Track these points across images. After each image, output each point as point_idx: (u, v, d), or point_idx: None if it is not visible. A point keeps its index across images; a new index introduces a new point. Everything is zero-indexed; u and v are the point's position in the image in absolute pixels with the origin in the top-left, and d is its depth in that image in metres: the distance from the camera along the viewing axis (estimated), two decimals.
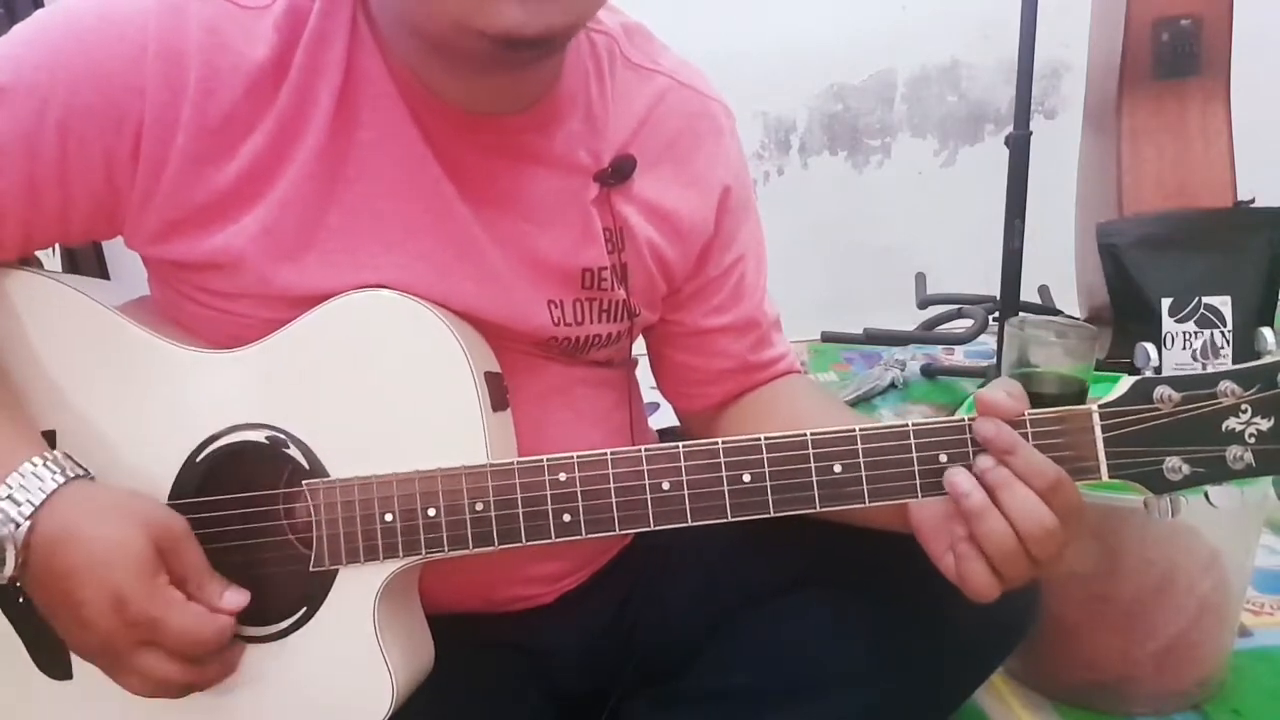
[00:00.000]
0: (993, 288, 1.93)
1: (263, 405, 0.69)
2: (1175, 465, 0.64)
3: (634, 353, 0.90)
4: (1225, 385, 0.63)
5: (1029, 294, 2.12)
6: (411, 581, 0.73)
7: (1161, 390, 0.64)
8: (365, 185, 0.71)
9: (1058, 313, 2.21)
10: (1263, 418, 0.63)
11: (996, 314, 2.07)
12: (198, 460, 0.70)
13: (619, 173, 0.78)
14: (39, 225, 0.70)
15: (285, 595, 0.69)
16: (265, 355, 0.70)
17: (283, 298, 0.70)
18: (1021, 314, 1.96)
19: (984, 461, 0.63)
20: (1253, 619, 1.33)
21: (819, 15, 2.49)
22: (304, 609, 0.69)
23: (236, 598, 0.66)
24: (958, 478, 0.63)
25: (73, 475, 0.64)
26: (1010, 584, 0.64)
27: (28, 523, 0.62)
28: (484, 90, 0.72)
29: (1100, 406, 0.64)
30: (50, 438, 0.69)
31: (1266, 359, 0.64)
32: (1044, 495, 0.62)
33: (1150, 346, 0.66)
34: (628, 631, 0.88)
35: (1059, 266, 2.12)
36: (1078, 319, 2.03)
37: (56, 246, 0.77)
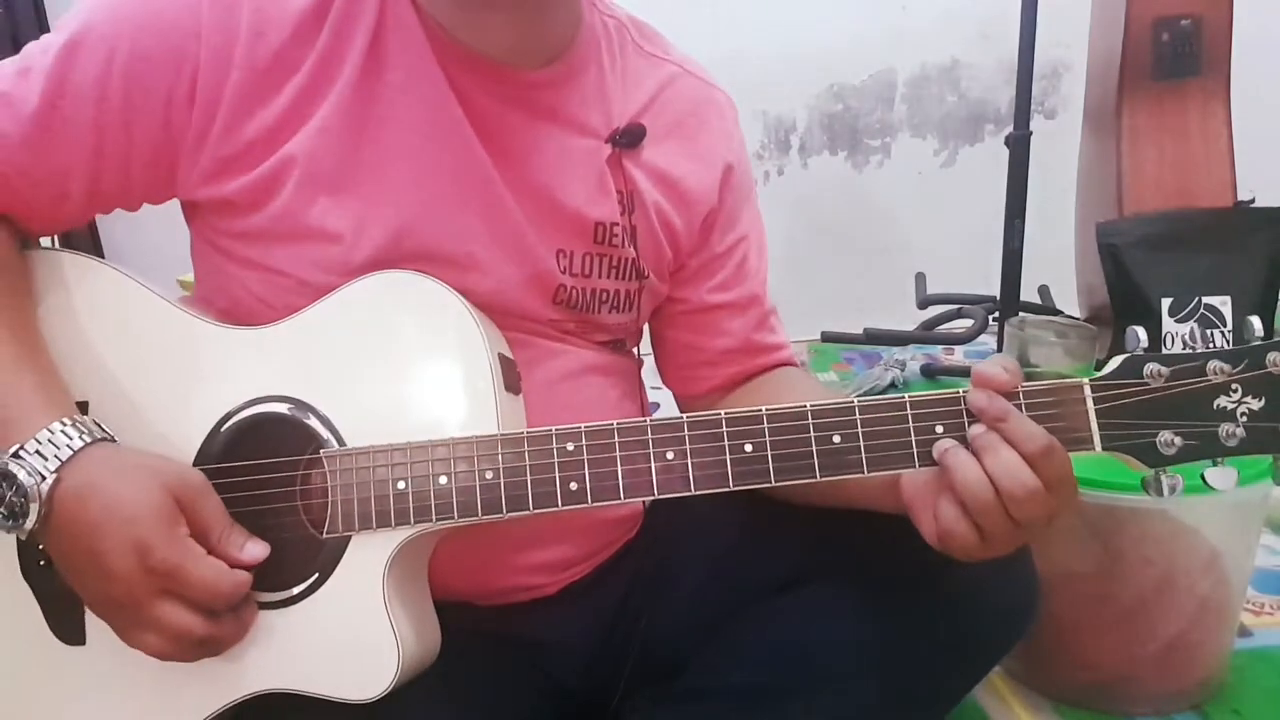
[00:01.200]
0: (993, 288, 1.94)
1: (286, 379, 0.73)
2: (1168, 439, 0.65)
3: (640, 353, 0.91)
4: (1215, 364, 0.65)
5: (1029, 294, 2.12)
6: (421, 564, 0.75)
7: (1151, 366, 0.65)
8: (393, 124, 0.75)
9: (1058, 313, 2.21)
10: (1254, 397, 0.65)
11: (996, 314, 2.07)
12: (222, 430, 0.72)
13: (630, 136, 0.82)
14: (105, 177, 0.74)
15: (298, 562, 0.70)
16: (290, 332, 0.74)
17: (318, 232, 0.74)
18: (1021, 314, 1.96)
19: (975, 429, 0.65)
20: (1253, 619, 1.33)
21: (819, 15, 2.49)
22: (316, 575, 0.70)
23: (257, 549, 0.68)
24: (944, 440, 0.66)
25: (99, 436, 0.67)
26: (993, 543, 0.65)
27: (53, 476, 0.64)
28: (504, 37, 0.76)
29: (1092, 380, 0.66)
30: (84, 407, 0.72)
31: (1255, 342, 0.65)
32: (1034, 459, 0.63)
33: (1141, 330, 0.67)
34: (629, 627, 0.88)
35: (1059, 266, 2.13)
36: (1078, 319, 2.03)
37: (55, 240, 0.80)
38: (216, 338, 0.74)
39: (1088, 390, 0.66)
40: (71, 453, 0.65)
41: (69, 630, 0.72)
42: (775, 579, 0.83)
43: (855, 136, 2.66)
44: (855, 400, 0.67)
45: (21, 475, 0.63)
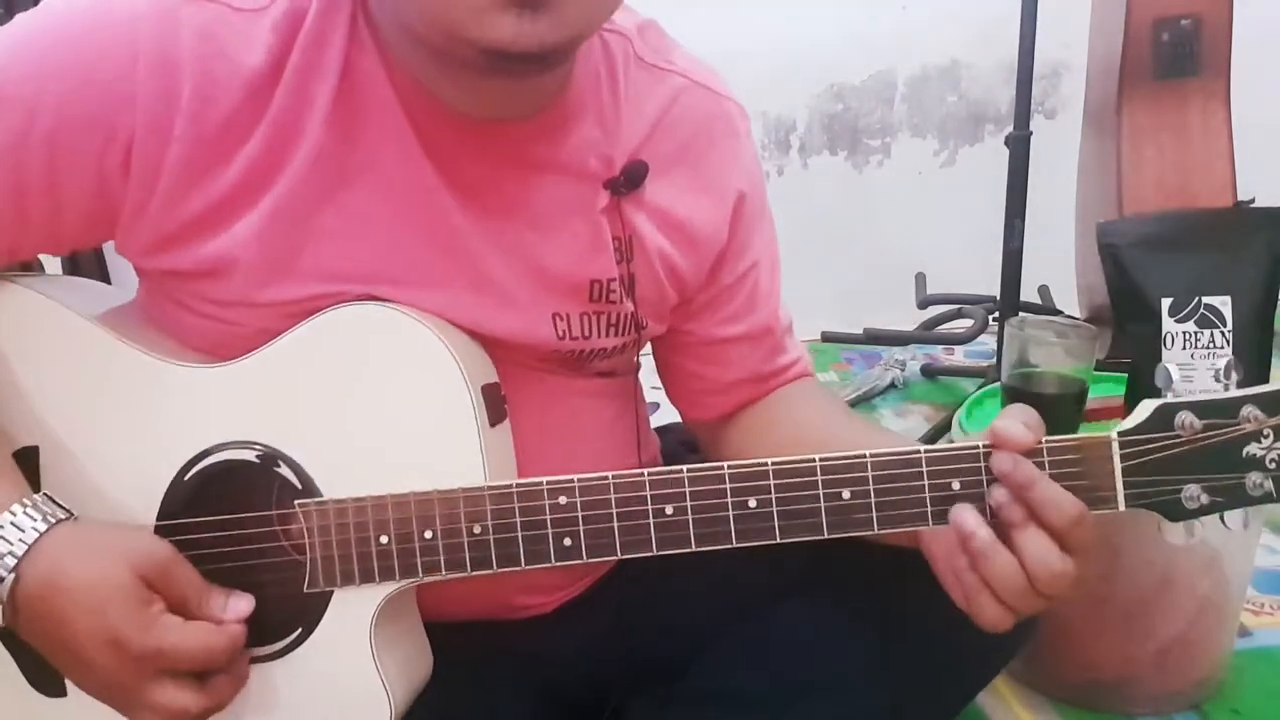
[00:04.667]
0: (993, 288, 1.93)
1: (252, 422, 0.68)
2: (1194, 494, 0.62)
3: (638, 357, 0.89)
4: (1248, 410, 0.61)
5: (1029, 294, 2.12)
6: (409, 596, 0.72)
7: (1183, 416, 0.62)
8: (359, 193, 0.69)
9: (1058, 313, 2.21)
10: None
11: (996, 314, 2.07)
12: (186, 478, 0.68)
13: (630, 180, 0.76)
14: (27, 237, 0.68)
15: (280, 615, 0.68)
16: (255, 370, 0.68)
17: (274, 305, 0.68)
18: (1021, 314, 1.96)
19: (999, 495, 0.62)
20: (1253, 619, 1.33)
21: (819, 15, 2.48)
22: (300, 629, 0.68)
23: (241, 605, 0.66)
24: (964, 515, 0.62)
25: (54, 520, 0.63)
26: (1023, 615, 0.63)
27: (12, 575, 0.61)
28: (488, 98, 0.70)
29: (1120, 434, 0.62)
30: (33, 454, 0.68)
31: None
32: (1061, 532, 0.60)
33: (1173, 368, 0.64)
34: (627, 634, 0.88)
35: (1059, 266, 2.12)
36: (1078, 319, 2.03)
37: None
38: (174, 376, 0.68)
39: (1115, 447, 0.62)
40: (25, 547, 0.61)
41: (47, 683, 0.69)
42: (775, 585, 0.82)
43: (855, 136, 2.66)
44: (868, 455, 0.63)
45: None
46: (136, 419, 0.69)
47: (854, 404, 2.18)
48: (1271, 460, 0.61)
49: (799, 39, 2.51)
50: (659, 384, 0.93)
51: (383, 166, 0.69)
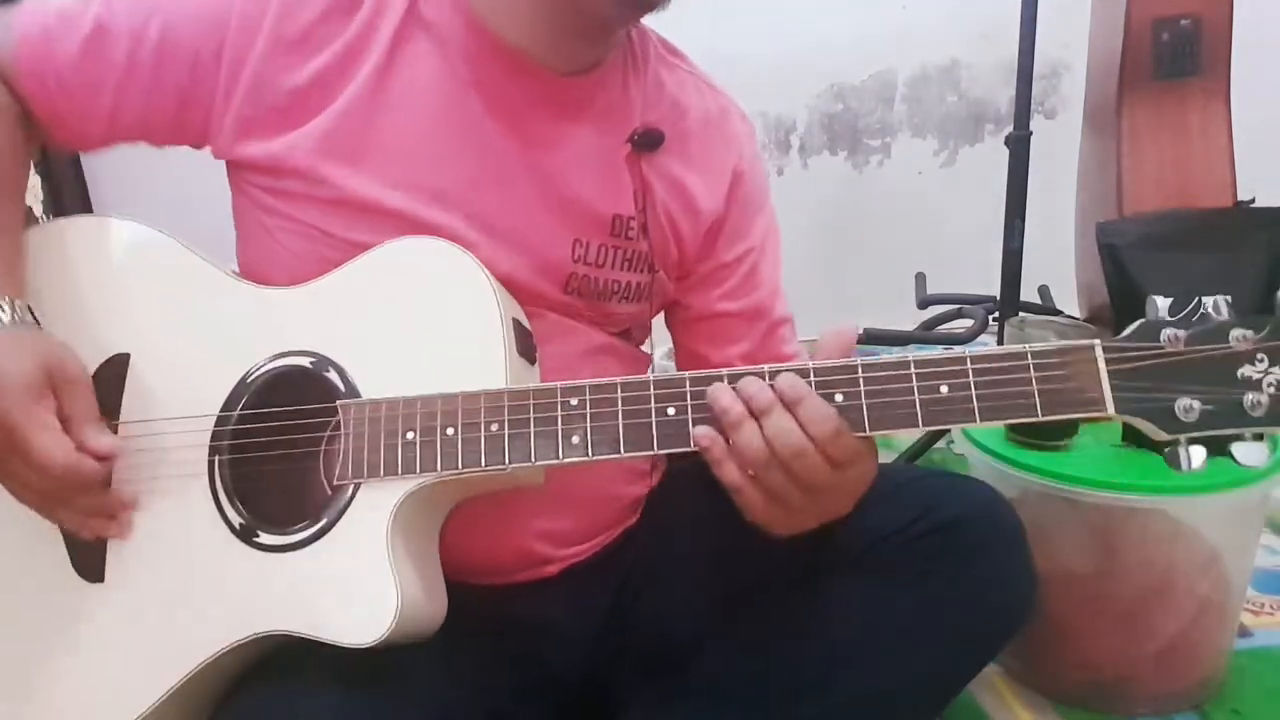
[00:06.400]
0: (993, 288, 1.93)
1: (311, 334, 0.77)
2: (1187, 405, 0.62)
3: (652, 347, 0.93)
4: (1238, 332, 0.62)
5: (1029, 294, 2.12)
6: (431, 528, 0.77)
7: (1169, 332, 0.62)
8: (409, 112, 0.80)
9: (1058, 313, 2.21)
10: None
11: (996, 314, 2.06)
12: (248, 381, 0.77)
13: (649, 140, 0.86)
14: (129, 102, 0.82)
15: (307, 509, 0.74)
16: (315, 292, 0.79)
17: (338, 200, 0.79)
18: (1021, 314, 1.96)
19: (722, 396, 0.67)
20: (1253, 619, 1.33)
21: (819, 15, 2.49)
22: (323, 522, 0.73)
23: (105, 441, 0.73)
24: (720, 394, 0.67)
25: (25, 320, 0.75)
26: (790, 507, 0.67)
27: None
28: (561, 51, 0.82)
29: (1105, 343, 0.63)
30: (124, 360, 0.79)
31: None
32: (822, 441, 0.65)
33: (1161, 299, 0.64)
34: (626, 616, 0.89)
35: (1059, 266, 2.12)
36: (1078, 319, 2.03)
37: (43, 205, 0.87)
38: (248, 295, 0.80)
39: (1099, 351, 0.63)
40: None
41: (90, 567, 0.76)
42: (773, 577, 0.84)
43: (855, 136, 2.66)
44: (859, 360, 0.67)
45: None
46: (213, 330, 0.80)
47: None
48: (1270, 383, 0.61)
49: (799, 39, 2.51)
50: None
51: (431, 94, 0.81)
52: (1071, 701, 1.19)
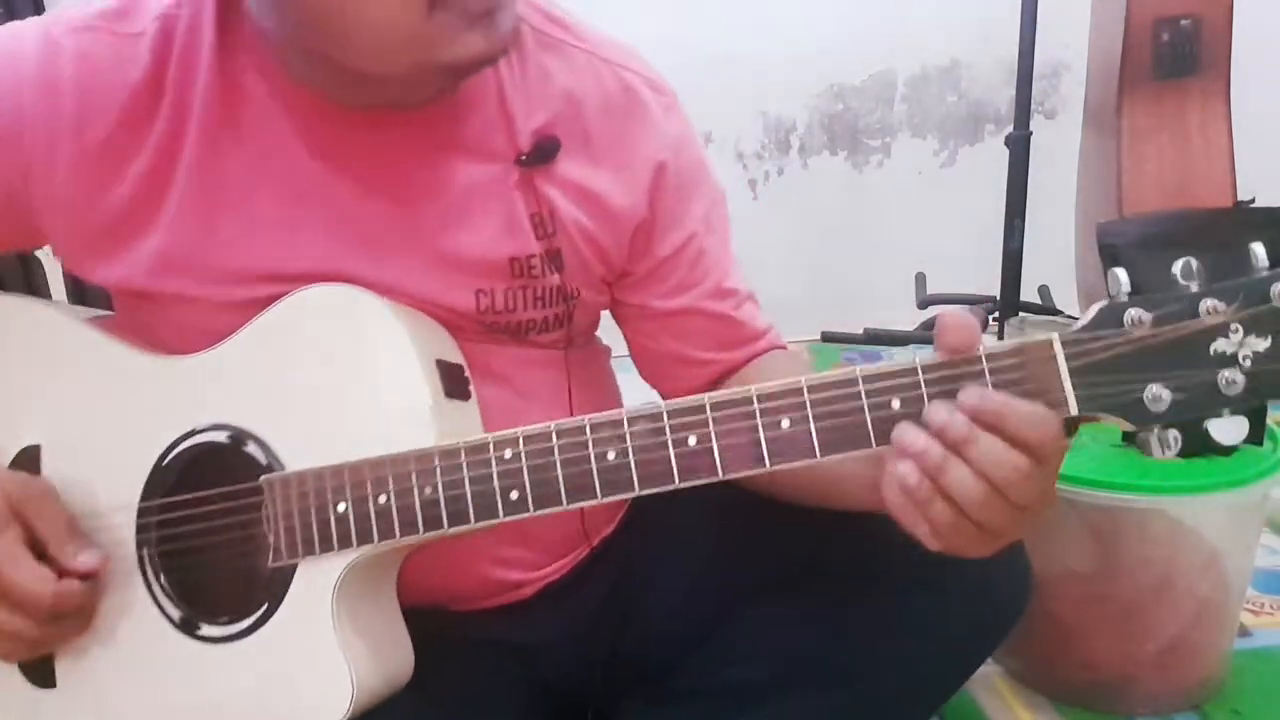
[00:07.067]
0: (993, 288, 1.94)
1: (223, 406, 0.71)
2: (1157, 394, 0.56)
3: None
4: (1209, 304, 0.56)
5: (1029, 294, 2.12)
6: (383, 583, 0.73)
7: (1133, 313, 0.56)
8: (244, 200, 0.72)
9: (1058, 313, 2.21)
10: (1258, 336, 0.55)
11: (996, 314, 2.07)
12: (165, 463, 0.72)
13: (541, 154, 0.75)
14: None
15: (247, 594, 0.69)
16: (223, 357, 0.72)
17: (198, 300, 0.72)
18: (1021, 314, 1.96)
19: (939, 414, 0.58)
20: (1253, 619, 1.33)
21: (819, 15, 2.49)
22: (265, 606, 0.69)
23: (89, 558, 0.68)
24: (908, 435, 0.58)
25: None
26: (999, 535, 0.60)
27: None
28: (386, 95, 0.71)
29: (1063, 336, 0.58)
30: (36, 451, 0.74)
31: (1260, 275, 0.57)
32: (1033, 444, 0.57)
33: (1122, 272, 0.58)
34: (615, 625, 0.88)
35: (1059, 266, 2.12)
36: (1078, 319, 2.02)
37: (60, 276, 0.85)
38: (151, 368, 0.73)
39: (1058, 347, 0.58)
40: None
41: (40, 674, 0.73)
42: (764, 578, 0.83)
43: (855, 136, 2.66)
44: (804, 380, 0.60)
45: None
46: (122, 410, 0.73)
47: None
48: (1245, 355, 0.55)
49: (799, 39, 2.51)
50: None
51: (269, 167, 0.72)
52: (1071, 701, 1.19)
